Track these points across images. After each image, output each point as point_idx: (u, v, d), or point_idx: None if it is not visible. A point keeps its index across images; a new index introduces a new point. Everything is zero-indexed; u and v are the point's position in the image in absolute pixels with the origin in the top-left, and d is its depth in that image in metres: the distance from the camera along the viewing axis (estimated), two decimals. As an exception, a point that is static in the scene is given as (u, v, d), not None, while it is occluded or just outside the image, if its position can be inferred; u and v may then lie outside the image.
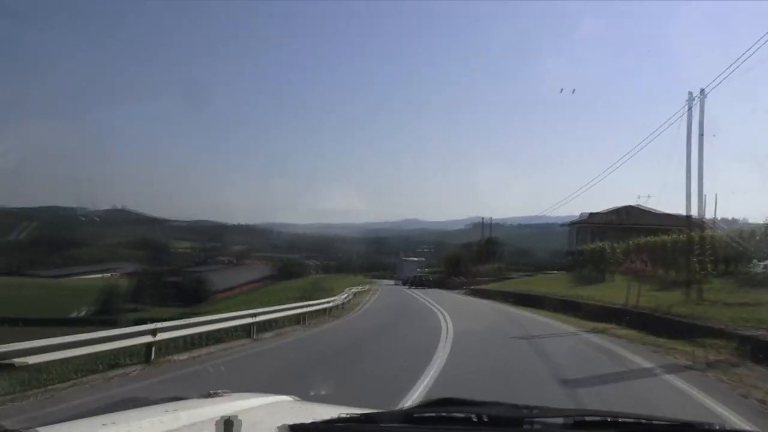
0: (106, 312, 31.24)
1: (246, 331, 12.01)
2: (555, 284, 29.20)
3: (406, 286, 50.88)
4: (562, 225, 50.46)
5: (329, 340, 13.13)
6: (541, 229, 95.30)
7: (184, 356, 10.02)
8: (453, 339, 12.00)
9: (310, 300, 19.62)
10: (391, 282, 60.25)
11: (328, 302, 20.37)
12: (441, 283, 52.21)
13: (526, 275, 43.01)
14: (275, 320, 14.13)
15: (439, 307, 23.30)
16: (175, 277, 49.08)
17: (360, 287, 36.69)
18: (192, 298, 41.46)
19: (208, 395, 1.66)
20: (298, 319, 15.86)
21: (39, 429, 0.76)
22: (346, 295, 25.36)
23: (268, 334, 12.73)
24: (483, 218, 56.27)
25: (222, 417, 1.13)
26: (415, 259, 72.14)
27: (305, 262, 73.41)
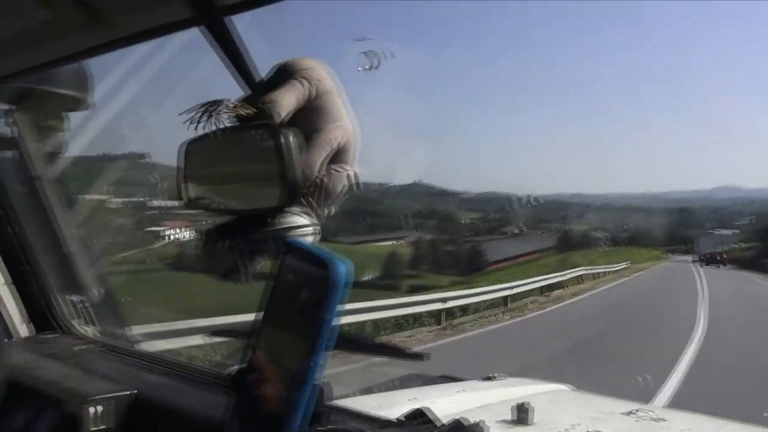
0: (388, 277, 34.96)
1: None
2: None
3: (698, 265, 43.02)
4: None
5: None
6: None
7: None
8: None
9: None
10: (689, 258, 52.81)
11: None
12: (751, 262, 41.62)
13: None
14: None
15: (698, 328, 12.42)
16: (451, 246, 52.02)
17: (618, 266, 32.34)
18: (467, 267, 43.28)
19: (487, 378, 1.75)
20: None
21: (358, 398, 0.77)
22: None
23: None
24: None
25: (517, 402, 1.16)
26: (728, 232, 62.56)
27: (592, 233, 70.52)
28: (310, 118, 0.81)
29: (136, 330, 2.14)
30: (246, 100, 0.81)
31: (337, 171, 0.83)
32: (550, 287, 20.22)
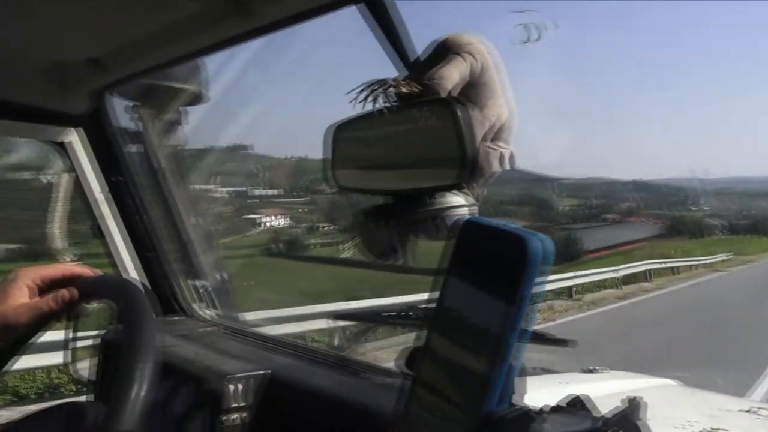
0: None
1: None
2: None
3: None
4: None
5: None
6: None
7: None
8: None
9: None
10: None
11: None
12: None
13: None
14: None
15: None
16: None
17: (713, 258, 28.60)
18: (562, 255, 41.61)
19: (588, 370, 1.75)
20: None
21: None
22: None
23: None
24: None
25: (626, 396, 1.13)
26: None
27: (706, 220, 66.26)
28: (470, 93, 0.80)
29: (251, 315, 2.22)
30: (408, 78, 0.81)
31: (493, 149, 0.82)
32: (596, 285, 16.63)
